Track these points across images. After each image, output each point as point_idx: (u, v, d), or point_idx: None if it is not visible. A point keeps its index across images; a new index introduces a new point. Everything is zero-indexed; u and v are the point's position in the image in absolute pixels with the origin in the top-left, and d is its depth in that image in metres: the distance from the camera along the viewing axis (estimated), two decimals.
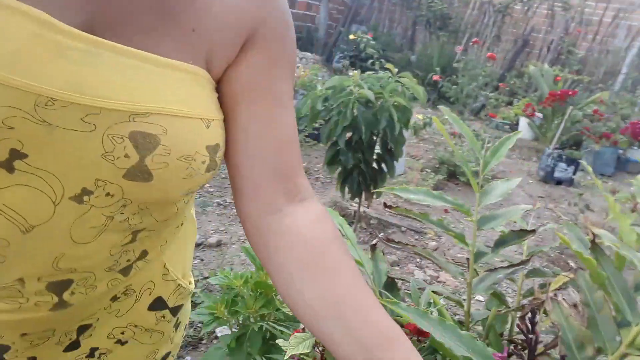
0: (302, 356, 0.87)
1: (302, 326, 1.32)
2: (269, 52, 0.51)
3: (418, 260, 2.55)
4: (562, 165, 4.13)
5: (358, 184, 2.60)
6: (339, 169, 2.58)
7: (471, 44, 6.45)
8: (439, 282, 2.37)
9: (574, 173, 4.12)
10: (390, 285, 1.13)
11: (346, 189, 2.63)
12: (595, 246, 1.05)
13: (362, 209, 2.90)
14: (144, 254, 0.54)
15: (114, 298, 0.56)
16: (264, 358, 1.14)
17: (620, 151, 4.65)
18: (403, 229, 2.99)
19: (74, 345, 0.56)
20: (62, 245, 0.45)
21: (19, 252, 0.44)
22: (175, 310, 0.64)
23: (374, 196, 2.85)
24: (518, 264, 1.16)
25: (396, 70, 2.51)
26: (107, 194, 0.44)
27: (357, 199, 2.73)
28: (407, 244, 1.23)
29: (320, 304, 0.48)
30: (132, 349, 0.61)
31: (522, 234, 1.24)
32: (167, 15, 0.45)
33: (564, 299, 1.17)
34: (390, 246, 1.55)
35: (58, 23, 0.39)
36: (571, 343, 1.03)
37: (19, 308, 0.48)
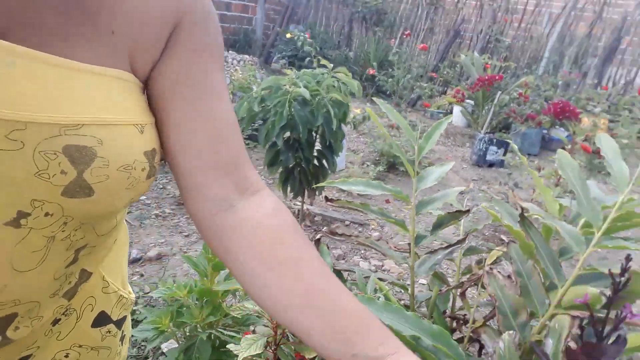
0: (254, 358, 0.87)
1: (252, 328, 1.31)
2: (195, 45, 0.49)
3: (363, 251, 2.61)
4: (493, 148, 4.35)
5: (300, 183, 2.62)
6: (280, 169, 2.58)
7: (404, 36, 6.66)
8: (384, 270, 2.43)
9: (504, 155, 4.36)
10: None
11: (288, 188, 2.64)
12: (523, 219, 1.12)
13: (305, 206, 2.91)
14: (85, 274, 0.51)
15: (55, 321, 0.53)
16: None
17: (545, 131, 4.97)
18: (347, 222, 3.04)
19: None
20: (3, 276, 0.42)
21: None
22: (119, 323, 0.62)
23: (317, 193, 2.88)
24: (455, 244, 1.21)
25: (332, 66, 2.55)
26: (46, 214, 0.41)
27: (299, 198, 2.74)
28: (350, 235, 1.25)
29: (290, 296, 0.47)
30: None
31: (458, 214, 1.30)
32: (83, 19, 0.42)
33: (499, 272, 1.24)
34: (334, 239, 1.57)
35: None
36: (507, 311, 1.09)
37: None
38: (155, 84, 0.49)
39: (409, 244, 1.23)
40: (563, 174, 1.09)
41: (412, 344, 0.85)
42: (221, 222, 0.50)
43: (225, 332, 1.12)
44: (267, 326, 0.84)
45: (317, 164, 2.64)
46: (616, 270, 1.06)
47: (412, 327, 0.81)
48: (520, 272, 1.10)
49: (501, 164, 4.33)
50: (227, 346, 0.92)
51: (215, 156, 0.50)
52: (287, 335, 0.85)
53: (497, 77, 4.25)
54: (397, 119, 1.35)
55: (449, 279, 1.32)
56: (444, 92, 6.22)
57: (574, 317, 0.96)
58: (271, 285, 0.47)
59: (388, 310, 0.83)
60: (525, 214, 1.17)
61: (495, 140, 4.29)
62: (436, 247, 1.25)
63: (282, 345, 0.85)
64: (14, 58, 0.38)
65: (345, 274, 1.26)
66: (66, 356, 0.55)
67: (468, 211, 1.35)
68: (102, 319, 0.58)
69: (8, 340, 0.46)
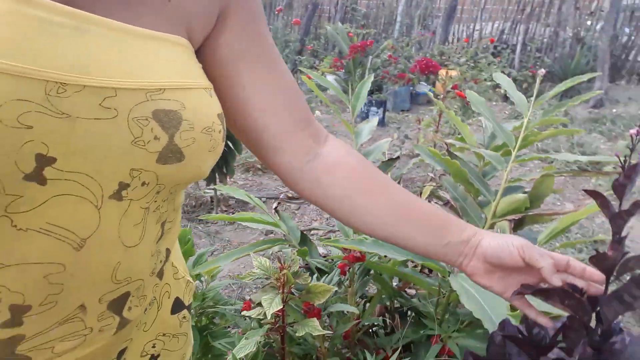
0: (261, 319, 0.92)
1: (247, 297, 1.31)
2: (248, 12, 0.51)
3: (313, 213, 2.69)
4: (374, 109, 4.70)
5: (211, 170, 2.59)
6: None
7: (275, 12, 6.69)
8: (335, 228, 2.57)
9: (383, 114, 4.73)
10: (303, 237, 1.23)
11: None
12: (450, 153, 1.31)
13: (218, 192, 2.90)
14: (167, 253, 0.52)
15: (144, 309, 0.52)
16: None
17: (412, 88, 5.48)
18: (263, 199, 3.10)
19: None
20: (116, 254, 0.41)
21: (76, 274, 0.39)
22: (189, 309, 0.62)
23: (228, 177, 2.87)
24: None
25: None
26: (143, 184, 0.41)
27: (212, 184, 2.72)
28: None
29: (387, 214, 0.55)
30: None
31: (391, 162, 1.45)
32: None
33: (436, 202, 1.43)
34: (291, 203, 1.64)
35: None
36: None
37: (84, 342, 0.43)
38: (213, 52, 0.50)
39: None
40: (476, 109, 1.28)
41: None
42: (313, 171, 0.56)
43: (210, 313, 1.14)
44: (274, 287, 0.89)
45: (225, 148, 2.63)
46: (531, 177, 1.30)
47: (401, 254, 0.94)
48: (455, 197, 1.29)
49: (382, 122, 4.69)
50: (250, 299, 0.94)
51: (294, 113, 0.55)
52: (292, 291, 0.92)
53: (368, 43, 4.55)
54: (328, 84, 1.45)
55: None
56: (314, 65, 6.45)
57: (510, 220, 1.17)
58: (372, 209, 0.55)
59: (377, 245, 0.95)
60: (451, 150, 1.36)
61: (374, 101, 4.62)
62: None
63: (289, 302, 0.92)
64: (89, 26, 0.37)
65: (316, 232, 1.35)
66: (153, 347, 0.55)
67: (398, 157, 1.52)
68: (177, 306, 0.58)
69: (125, 321, 0.46)
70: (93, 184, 0.37)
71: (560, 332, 0.55)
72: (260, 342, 0.92)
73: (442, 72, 4.10)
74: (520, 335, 0.57)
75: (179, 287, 0.58)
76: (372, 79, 1.44)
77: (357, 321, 1.03)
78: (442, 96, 3.38)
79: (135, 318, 0.48)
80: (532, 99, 1.22)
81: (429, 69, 4.21)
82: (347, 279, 1.03)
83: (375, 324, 1.15)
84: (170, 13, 0.44)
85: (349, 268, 1.03)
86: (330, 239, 1.24)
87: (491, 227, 1.19)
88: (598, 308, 0.53)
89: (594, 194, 0.54)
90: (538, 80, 1.18)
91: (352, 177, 0.56)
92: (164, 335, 0.56)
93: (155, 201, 0.43)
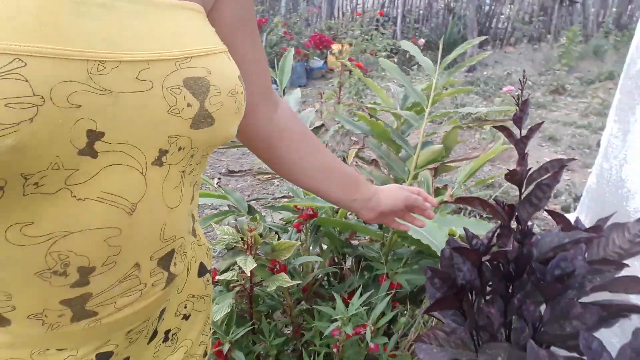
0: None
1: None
2: None
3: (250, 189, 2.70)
4: (273, 86, 4.75)
5: None
6: None
7: None
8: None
9: (281, 89, 4.81)
10: (249, 207, 1.29)
11: None
12: (372, 117, 1.45)
13: None
14: (194, 216, 0.55)
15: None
16: None
17: (306, 64, 5.62)
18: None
19: (154, 334, 0.55)
20: (162, 215, 0.45)
21: (130, 236, 0.43)
22: (210, 272, 0.66)
23: None
24: None
25: None
26: (179, 149, 0.43)
27: None
28: (246, 170, 1.39)
29: (318, 172, 0.71)
30: (194, 320, 0.62)
31: (317, 130, 1.55)
32: None
33: (362, 163, 1.57)
34: (233, 176, 1.66)
35: None
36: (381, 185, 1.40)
37: (140, 296, 0.47)
38: (220, 19, 0.53)
39: None
40: (391, 74, 1.43)
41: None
42: (267, 135, 0.66)
43: None
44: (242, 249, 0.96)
45: None
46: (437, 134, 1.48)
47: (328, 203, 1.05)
48: (380, 155, 1.44)
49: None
50: (215, 269, 0.99)
51: (264, 81, 0.62)
52: (258, 252, 0.99)
53: (263, 20, 4.55)
54: None
55: None
56: None
57: (430, 169, 1.34)
58: (307, 168, 0.70)
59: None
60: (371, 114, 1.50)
61: (272, 79, 4.67)
62: None
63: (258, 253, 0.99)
64: (114, 1, 0.38)
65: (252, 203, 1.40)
66: (185, 307, 0.59)
67: (323, 125, 1.63)
68: (202, 270, 0.62)
69: (172, 276, 0.50)
70: (137, 152, 0.40)
71: (492, 239, 0.71)
72: (232, 304, 0.98)
73: (336, 46, 4.27)
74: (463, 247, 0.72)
75: (201, 252, 0.62)
76: (292, 52, 1.51)
77: (312, 274, 1.13)
78: (340, 69, 3.55)
79: (180, 273, 0.52)
80: (438, 63, 1.39)
81: (323, 44, 4.36)
82: (302, 236, 1.13)
83: (328, 277, 1.26)
84: None
85: (303, 226, 1.12)
86: (274, 206, 1.32)
87: (415, 177, 1.35)
88: (516, 213, 0.69)
89: (501, 128, 0.69)
90: (441, 46, 1.35)
91: (295, 142, 0.68)
92: (193, 296, 0.60)
93: (190, 164, 0.47)
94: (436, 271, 0.68)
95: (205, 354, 0.67)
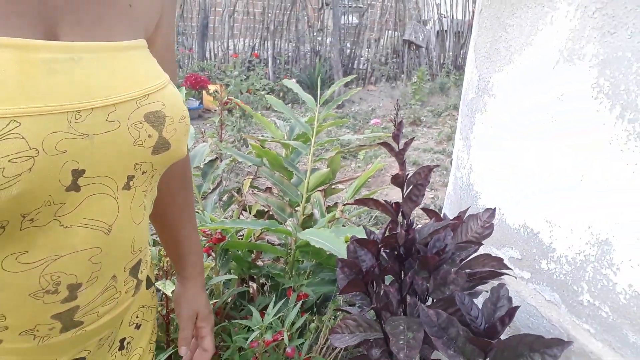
0: None
1: None
2: (171, 18, 0.61)
3: None
4: None
5: None
6: None
7: None
8: None
9: None
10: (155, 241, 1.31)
11: None
12: (262, 148, 1.57)
13: None
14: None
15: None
16: None
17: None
18: None
19: (111, 342, 0.59)
20: (132, 231, 0.51)
21: (108, 252, 0.49)
22: (153, 285, 0.71)
23: None
24: (218, 185, 1.57)
25: None
26: (143, 172, 0.50)
27: None
28: None
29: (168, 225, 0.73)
30: (144, 329, 0.66)
31: (213, 162, 1.63)
32: None
33: (257, 191, 1.67)
34: None
35: (34, 42, 0.40)
36: (277, 211, 1.54)
37: (116, 303, 0.54)
38: (152, 45, 0.56)
39: None
40: (277, 108, 1.58)
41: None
42: None
43: None
44: None
45: None
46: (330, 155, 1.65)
47: (256, 225, 1.15)
48: (274, 182, 1.57)
49: None
50: None
51: None
52: (173, 277, 1.03)
53: None
54: None
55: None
56: None
57: (320, 191, 1.50)
58: (167, 215, 0.72)
59: (237, 222, 1.14)
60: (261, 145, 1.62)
61: None
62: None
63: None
64: (80, 54, 0.44)
65: None
66: (137, 317, 0.64)
67: (218, 158, 1.71)
68: (149, 282, 0.67)
69: (139, 282, 0.57)
70: (110, 181, 0.47)
71: (385, 232, 0.87)
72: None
73: (213, 86, 4.36)
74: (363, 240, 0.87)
75: (147, 264, 0.65)
76: (184, 89, 1.58)
77: (225, 295, 1.19)
78: (219, 109, 3.65)
79: (144, 279, 0.59)
80: (318, 98, 1.58)
81: (199, 84, 4.42)
82: (212, 260, 1.18)
83: (237, 299, 1.32)
84: (132, 17, 0.52)
85: (213, 250, 1.17)
86: None
87: (307, 199, 1.50)
88: (402, 209, 0.86)
89: (384, 144, 0.87)
90: (319, 84, 1.54)
91: (173, 179, 0.69)
92: (143, 307, 0.66)
93: (150, 184, 0.54)
94: (345, 261, 0.82)
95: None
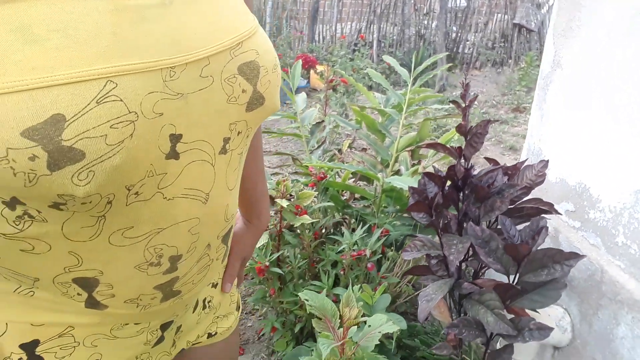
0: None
1: None
2: None
3: None
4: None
5: None
6: None
7: None
8: None
9: None
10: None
11: None
12: (364, 109, 1.85)
13: None
14: None
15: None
16: None
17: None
18: None
19: (196, 303, 0.62)
20: (226, 197, 0.49)
21: (206, 222, 0.47)
22: None
23: None
24: (322, 144, 1.87)
25: None
26: (239, 133, 0.46)
27: None
28: (266, 152, 1.76)
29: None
30: (219, 286, 0.68)
31: (318, 125, 1.94)
32: None
33: (355, 150, 1.97)
34: None
35: None
36: (371, 168, 1.81)
37: (208, 271, 0.54)
38: None
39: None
40: (375, 79, 1.85)
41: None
42: None
43: None
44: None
45: None
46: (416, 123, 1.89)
47: (351, 167, 1.44)
48: (369, 143, 1.84)
49: None
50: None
51: None
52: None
53: None
54: None
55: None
56: None
57: (408, 151, 1.75)
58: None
59: (337, 163, 1.44)
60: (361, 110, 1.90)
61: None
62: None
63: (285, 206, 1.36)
64: None
65: None
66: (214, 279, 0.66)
67: (323, 121, 2.02)
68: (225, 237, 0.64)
69: (228, 249, 0.57)
70: (208, 146, 0.43)
71: (450, 170, 1.11)
72: (268, 237, 1.35)
73: (322, 67, 4.72)
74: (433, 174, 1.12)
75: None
76: (301, 62, 1.92)
77: (325, 218, 1.51)
78: (325, 86, 3.99)
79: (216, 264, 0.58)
80: (412, 72, 1.82)
81: (308, 64, 4.81)
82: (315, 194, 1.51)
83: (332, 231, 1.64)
84: None
85: (316, 187, 1.49)
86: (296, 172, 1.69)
87: (396, 159, 1.76)
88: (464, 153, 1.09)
89: (454, 103, 1.10)
90: (414, 59, 1.77)
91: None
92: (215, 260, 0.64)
93: (246, 144, 0.50)
94: (415, 189, 1.08)
95: (238, 307, 0.75)
